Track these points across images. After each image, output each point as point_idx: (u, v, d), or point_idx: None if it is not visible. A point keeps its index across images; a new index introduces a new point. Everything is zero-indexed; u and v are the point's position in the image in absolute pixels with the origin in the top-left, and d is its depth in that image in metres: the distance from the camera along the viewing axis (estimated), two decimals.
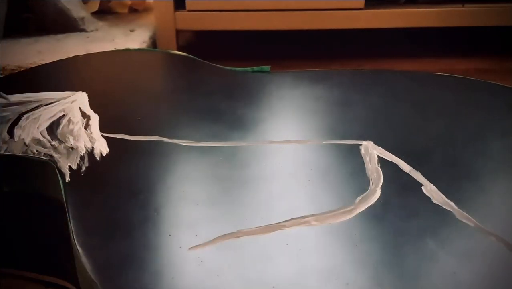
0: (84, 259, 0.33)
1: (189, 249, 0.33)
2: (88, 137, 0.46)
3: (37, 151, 0.45)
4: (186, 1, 1.09)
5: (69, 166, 0.42)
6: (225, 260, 0.33)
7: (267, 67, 0.60)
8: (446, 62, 1.10)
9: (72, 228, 0.36)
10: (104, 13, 1.24)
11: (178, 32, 1.12)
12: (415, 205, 0.37)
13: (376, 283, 0.31)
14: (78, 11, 1.09)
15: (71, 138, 0.46)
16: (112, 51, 0.84)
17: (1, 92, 0.52)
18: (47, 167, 0.41)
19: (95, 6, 1.22)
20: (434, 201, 0.38)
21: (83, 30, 1.09)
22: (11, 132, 0.47)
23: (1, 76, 0.88)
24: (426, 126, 0.50)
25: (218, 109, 0.52)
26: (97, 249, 0.34)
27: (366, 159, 0.43)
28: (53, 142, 0.46)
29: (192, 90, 0.57)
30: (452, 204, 0.38)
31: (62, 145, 0.45)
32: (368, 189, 0.39)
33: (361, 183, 0.40)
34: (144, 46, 1.03)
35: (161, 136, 0.47)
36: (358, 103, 0.54)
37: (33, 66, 0.87)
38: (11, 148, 0.45)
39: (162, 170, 0.42)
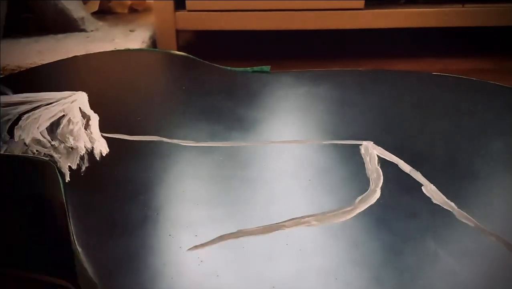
0: (84, 259, 0.33)
1: (189, 249, 0.33)
2: (88, 138, 0.46)
3: (37, 151, 0.45)
4: (186, 1, 1.09)
5: (69, 166, 0.42)
6: (225, 260, 0.33)
7: (267, 67, 0.60)
8: (446, 62, 1.10)
9: (72, 228, 0.36)
10: (104, 13, 1.24)
11: (178, 32, 1.12)
12: (415, 205, 0.37)
13: (376, 283, 0.31)
14: (78, 11, 1.09)
15: (71, 138, 0.46)
16: (112, 51, 0.84)
17: (1, 86, 0.51)
18: (47, 167, 0.41)
19: (95, 6, 1.22)
20: (434, 201, 0.38)
21: (83, 30, 1.09)
22: (11, 132, 0.47)
23: (1, 76, 0.88)
24: (426, 127, 0.50)
25: (218, 109, 0.52)
26: (97, 249, 0.34)
27: (366, 159, 0.43)
28: (53, 143, 0.46)
29: (192, 90, 0.57)
30: (452, 204, 0.38)
31: (62, 145, 0.45)
32: (368, 189, 0.39)
33: (361, 183, 0.40)
34: (144, 46, 1.03)
35: (161, 136, 0.47)
36: (358, 103, 0.54)
37: (33, 66, 0.87)
38: (11, 148, 0.45)
39: (162, 170, 0.42)
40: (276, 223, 0.35)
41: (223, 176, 0.41)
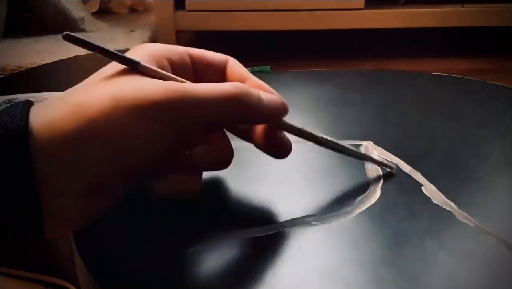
0: (84, 259, 0.33)
1: (189, 249, 0.33)
2: None
3: None
4: (186, 1, 1.09)
5: None
6: (225, 260, 0.33)
7: (267, 67, 0.60)
8: (446, 62, 1.10)
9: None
10: (104, 13, 1.24)
11: (178, 32, 1.12)
12: (415, 205, 0.37)
13: (376, 283, 0.31)
14: (78, 11, 1.09)
15: None
16: None
17: None
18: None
19: (95, 6, 1.22)
20: (434, 201, 0.38)
21: (83, 30, 1.09)
22: None
23: (1, 76, 0.88)
24: (426, 126, 0.50)
25: None
26: (97, 249, 0.34)
27: None
28: None
29: None
30: (452, 204, 0.38)
31: None
32: (368, 189, 0.39)
33: (361, 183, 0.40)
34: None
35: None
36: (358, 103, 0.54)
37: (33, 66, 0.87)
38: None
39: None
40: (276, 223, 0.35)
41: (223, 175, 0.41)
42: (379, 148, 0.45)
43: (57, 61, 0.68)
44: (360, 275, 0.31)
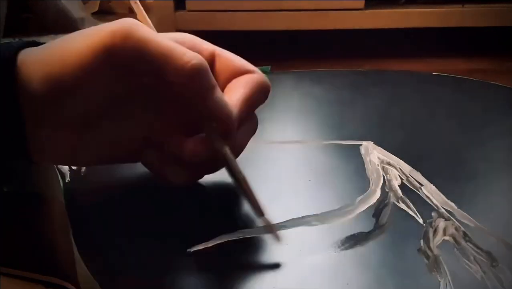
0: (84, 259, 0.33)
1: (189, 249, 0.33)
2: None
3: None
4: (186, 1, 1.09)
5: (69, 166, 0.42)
6: (225, 260, 0.33)
7: (267, 67, 0.60)
8: (446, 62, 1.10)
9: (72, 228, 0.36)
10: (104, 13, 1.24)
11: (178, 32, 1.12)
12: (415, 205, 0.37)
13: (376, 283, 0.31)
14: (78, 12, 1.09)
15: None
16: None
17: None
18: (47, 167, 0.41)
19: (95, 6, 1.22)
20: (434, 201, 0.38)
21: None
22: None
23: None
24: (426, 127, 0.50)
25: None
26: (97, 249, 0.34)
27: (366, 159, 0.43)
28: None
29: None
30: (452, 204, 0.38)
31: None
32: (368, 189, 0.39)
33: (361, 183, 0.40)
34: None
35: None
36: (358, 103, 0.54)
37: None
38: None
39: None
40: (276, 223, 0.35)
41: (223, 176, 0.41)
42: (379, 148, 0.45)
43: None
44: (360, 275, 0.31)
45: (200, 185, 0.40)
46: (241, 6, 1.08)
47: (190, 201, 0.38)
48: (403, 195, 0.39)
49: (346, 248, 0.33)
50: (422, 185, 0.40)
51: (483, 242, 0.34)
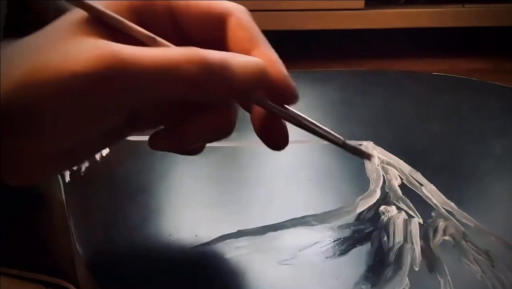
0: (84, 259, 0.33)
1: (189, 249, 0.33)
2: None
3: None
4: None
5: None
6: (225, 260, 0.33)
7: None
8: (446, 62, 1.10)
9: (72, 228, 0.36)
10: None
11: None
12: (415, 205, 0.37)
13: (377, 283, 0.31)
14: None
15: None
16: None
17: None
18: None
19: None
20: (434, 201, 0.38)
21: None
22: None
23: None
24: (426, 127, 0.50)
25: None
26: (97, 249, 0.34)
27: None
28: None
29: None
30: (452, 204, 0.38)
31: None
32: (368, 189, 0.39)
33: (361, 183, 0.40)
34: None
35: None
36: (358, 103, 0.54)
37: None
38: None
39: (162, 170, 0.42)
40: (276, 223, 0.35)
41: (223, 176, 0.41)
42: (379, 147, 0.45)
43: None
44: (360, 275, 0.31)
45: (200, 185, 0.40)
46: None
47: (189, 201, 0.38)
48: (403, 195, 0.39)
49: (346, 248, 0.33)
50: (422, 185, 0.40)
51: (483, 242, 0.34)
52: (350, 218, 0.36)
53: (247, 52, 0.26)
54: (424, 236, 0.34)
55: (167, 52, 0.23)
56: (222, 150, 0.44)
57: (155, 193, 0.39)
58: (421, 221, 0.36)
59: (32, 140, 0.24)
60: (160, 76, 0.23)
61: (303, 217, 0.36)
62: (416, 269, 0.32)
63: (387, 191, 0.39)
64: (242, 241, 0.34)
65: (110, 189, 0.40)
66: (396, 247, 0.34)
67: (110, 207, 0.38)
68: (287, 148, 0.41)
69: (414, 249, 0.33)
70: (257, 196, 0.39)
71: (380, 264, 0.32)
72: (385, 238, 0.34)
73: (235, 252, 0.33)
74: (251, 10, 0.27)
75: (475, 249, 0.33)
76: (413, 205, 0.37)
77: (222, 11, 0.26)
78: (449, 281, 0.31)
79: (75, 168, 0.42)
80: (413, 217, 0.36)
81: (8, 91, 0.23)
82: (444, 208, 0.37)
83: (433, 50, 1.16)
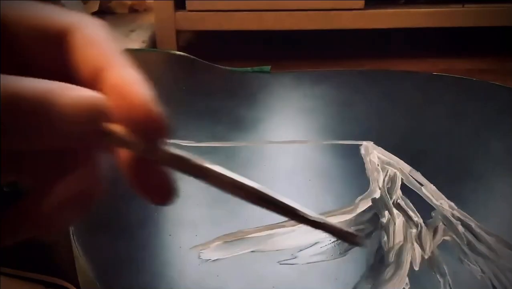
0: (84, 259, 0.33)
1: (189, 249, 0.33)
2: None
3: None
4: (186, 1, 1.09)
5: None
6: (225, 260, 0.33)
7: (267, 67, 0.60)
8: (446, 62, 1.10)
9: (72, 228, 0.36)
10: (104, 13, 1.24)
11: (178, 32, 1.12)
12: (415, 205, 0.37)
13: (377, 283, 0.31)
14: (78, 12, 1.09)
15: None
16: None
17: None
18: None
19: (95, 6, 1.21)
20: (434, 201, 0.38)
21: None
22: None
23: None
24: (426, 126, 0.50)
25: (218, 109, 0.52)
26: (97, 249, 0.34)
27: (366, 159, 0.43)
28: None
29: (192, 90, 0.57)
30: (452, 204, 0.38)
31: None
32: (368, 189, 0.39)
33: (361, 183, 0.40)
34: (144, 46, 1.03)
35: None
36: (358, 103, 0.54)
37: None
38: None
39: None
40: (276, 223, 0.35)
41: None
42: (379, 147, 0.45)
43: None
44: (360, 276, 0.31)
45: (200, 185, 0.40)
46: (242, 6, 1.08)
47: (190, 201, 0.38)
48: (403, 195, 0.39)
49: (346, 248, 0.33)
50: (422, 185, 0.40)
51: (483, 242, 0.34)
52: (350, 218, 0.36)
53: (98, 73, 0.20)
54: (424, 236, 0.34)
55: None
56: (222, 150, 0.45)
57: None
58: (421, 221, 0.36)
59: None
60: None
61: None
62: (416, 269, 0.32)
63: (387, 191, 0.39)
64: (242, 241, 0.34)
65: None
66: (396, 247, 0.34)
67: (110, 207, 0.38)
68: (287, 148, 0.41)
69: (414, 249, 0.33)
70: None
71: (380, 264, 0.32)
72: (385, 238, 0.34)
73: (236, 252, 0.33)
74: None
75: (475, 249, 0.33)
76: (413, 205, 0.37)
77: (62, 28, 0.21)
78: (449, 281, 0.31)
79: None
80: (413, 217, 0.36)
81: None
82: (444, 208, 0.37)
83: (433, 50, 1.16)
